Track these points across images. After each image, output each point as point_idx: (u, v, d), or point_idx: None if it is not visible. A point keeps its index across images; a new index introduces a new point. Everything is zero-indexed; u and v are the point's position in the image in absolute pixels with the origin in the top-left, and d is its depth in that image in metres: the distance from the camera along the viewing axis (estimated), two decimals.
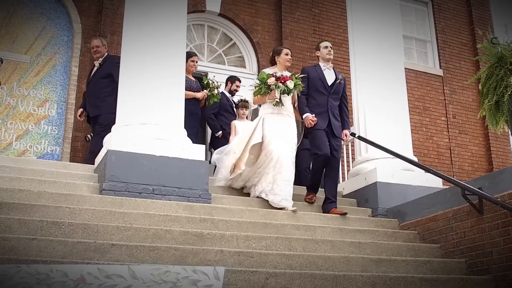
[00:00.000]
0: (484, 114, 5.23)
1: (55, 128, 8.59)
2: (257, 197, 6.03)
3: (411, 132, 10.90)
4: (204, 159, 5.84)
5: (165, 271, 2.50)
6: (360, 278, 4.21)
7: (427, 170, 5.94)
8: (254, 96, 6.33)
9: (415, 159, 6.96)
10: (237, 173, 6.09)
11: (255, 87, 6.20)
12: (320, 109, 6.27)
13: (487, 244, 4.80)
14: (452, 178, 5.51)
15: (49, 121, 8.61)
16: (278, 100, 6.07)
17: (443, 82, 12.01)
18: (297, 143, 6.29)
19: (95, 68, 7.40)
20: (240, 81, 8.69)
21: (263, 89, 6.10)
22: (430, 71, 12.07)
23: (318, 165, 6.26)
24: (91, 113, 7.25)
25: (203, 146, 5.95)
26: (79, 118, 7.66)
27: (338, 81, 6.40)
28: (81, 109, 7.54)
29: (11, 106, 8.48)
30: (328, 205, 6.12)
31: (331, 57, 6.55)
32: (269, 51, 10.19)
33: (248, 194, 6.25)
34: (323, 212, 6.05)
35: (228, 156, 6.38)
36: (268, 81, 6.07)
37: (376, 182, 6.50)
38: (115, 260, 3.86)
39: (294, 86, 6.07)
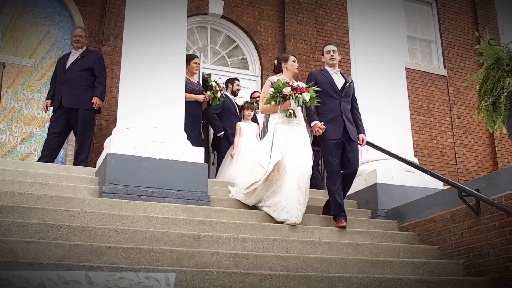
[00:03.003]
0: (482, 115, 5.23)
1: None
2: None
3: (416, 133, 10.99)
4: (203, 162, 5.88)
5: (119, 277, 2.56)
6: (355, 279, 4.23)
7: (424, 171, 5.93)
8: (264, 104, 5.93)
9: (415, 160, 6.97)
10: (251, 188, 5.73)
11: (269, 95, 5.84)
12: (333, 114, 5.95)
13: (484, 246, 4.80)
14: (449, 179, 5.52)
15: None
16: (292, 112, 5.79)
17: (448, 82, 11.99)
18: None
19: (74, 58, 7.29)
20: (239, 80, 8.75)
21: (278, 98, 5.77)
22: (435, 72, 12.05)
23: (334, 183, 5.81)
24: (66, 104, 7.04)
25: (202, 148, 6.00)
26: (45, 110, 7.44)
27: (348, 84, 6.12)
28: (49, 101, 7.32)
29: (15, 110, 8.58)
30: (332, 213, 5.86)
31: (335, 62, 6.20)
32: (272, 52, 10.27)
33: None
34: (322, 213, 6.04)
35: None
36: (284, 90, 5.73)
37: (376, 183, 6.51)
38: (111, 263, 3.90)
39: (310, 99, 5.77)
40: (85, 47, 7.42)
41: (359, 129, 6.17)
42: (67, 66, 7.24)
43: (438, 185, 6.61)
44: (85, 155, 7.01)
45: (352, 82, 6.24)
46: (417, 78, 11.71)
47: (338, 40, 10.84)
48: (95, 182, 5.71)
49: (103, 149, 6.07)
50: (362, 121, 6.65)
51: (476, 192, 4.88)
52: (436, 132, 11.55)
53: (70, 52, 7.42)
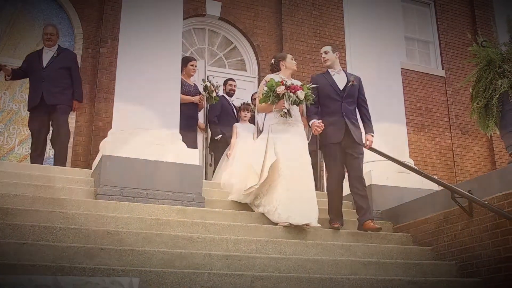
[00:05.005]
0: (474, 116, 5.27)
1: None
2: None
3: (413, 133, 11.01)
4: (198, 164, 5.90)
5: (86, 282, 2.61)
6: (347, 281, 4.25)
7: (417, 172, 5.93)
8: (259, 103, 5.82)
9: (411, 161, 6.98)
10: (249, 191, 5.72)
11: (262, 94, 5.71)
12: (334, 117, 5.81)
13: (476, 247, 4.82)
14: (442, 180, 5.53)
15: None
16: (286, 111, 5.65)
17: (446, 83, 12.01)
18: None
19: (49, 55, 7.24)
20: (233, 80, 8.74)
21: (271, 97, 5.62)
22: (433, 72, 12.08)
23: (332, 186, 5.83)
24: (48, 101, 7.00)
25: (197, 150, 6.03)
26: (6, 77, 7.37)
27: (350, 84, 5.98)
28: (10, 69, 7.33)
29: (13, 112, 8.64)
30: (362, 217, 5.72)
31: (328, 63, 6.11)
32: (270, 54, 10.28)
33: None
34: (359, 224, 5.75)
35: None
36: (278, 89, 5.59)
37: (371, 184, 6.51)
38: (103, 264, 3.92)
39: (305, 97, 5.64)
40: (57, 45, 7.41)
41: (366, 128, 5.99)
42: (44, 64, 7.18)
43: (433, 186, 6.61)
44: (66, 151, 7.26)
45: (353, 81, 6.03)
46: (415, 78, 11.73)
47: (335, 41, 10.85)
48: (91, 184, 5.73)
49: (98, 151, 6.11)
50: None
51: (468, 193, 4.90)
52: (434, 132, 11.58)
53: (43, 49, 7.34)
